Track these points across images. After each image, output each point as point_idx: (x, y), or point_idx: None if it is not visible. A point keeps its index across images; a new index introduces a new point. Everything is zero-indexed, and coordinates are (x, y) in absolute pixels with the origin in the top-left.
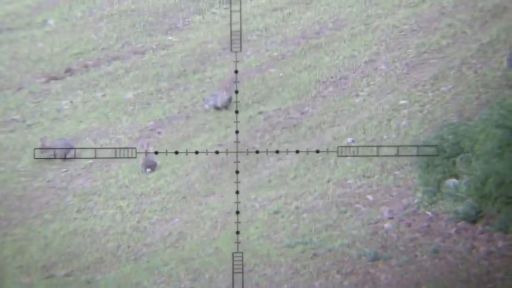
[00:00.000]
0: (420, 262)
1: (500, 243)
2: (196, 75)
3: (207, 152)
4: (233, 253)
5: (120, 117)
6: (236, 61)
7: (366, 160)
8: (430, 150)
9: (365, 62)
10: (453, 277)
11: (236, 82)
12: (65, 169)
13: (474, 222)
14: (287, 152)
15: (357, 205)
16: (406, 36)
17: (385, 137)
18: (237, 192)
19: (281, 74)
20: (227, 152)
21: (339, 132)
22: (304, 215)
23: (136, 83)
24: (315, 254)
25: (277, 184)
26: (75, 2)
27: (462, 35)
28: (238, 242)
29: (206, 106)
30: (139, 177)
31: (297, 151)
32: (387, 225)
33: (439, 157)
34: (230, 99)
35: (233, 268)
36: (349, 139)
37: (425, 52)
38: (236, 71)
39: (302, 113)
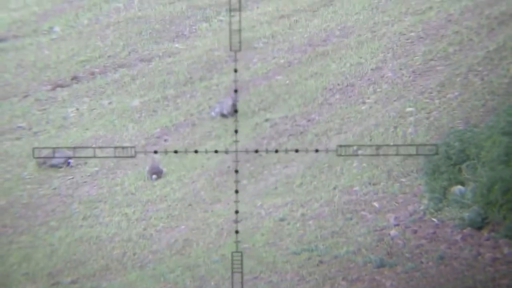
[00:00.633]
0: (426, 268)
1: (506, 250)
2: (203, 83)
3: (206, 151)
4: (232, 253)
5: (126, 125)
6: (236, 60)
7: (372, 167)
8: (430, 150)
9: (371, 69)
10: (459, 284)
11: (235, 81)
12: (71, 177)
13: (480, 228)
14: (286, 151)
15: (363, 212)
16: (413, 43)
17: (391, 144)
18: (236, 192)
19: (287, 81)
20: (226, 151)
21: (345, 139)
22: (310, 222)
23: (142, 90)
24: (321, 261)
25: (283, 191)
26: (81, 9)
27: (469, 42)
28: (237, 242)
29: (213, 113)
30: (145, 184)
31: (296, 150)
32: (393, 232)
33: (445, 164)
34: (235, 106)
35: (232, 268)
36: (355, 147)
37: (431, 59)
38: (235, 70)
39: (309, 120)
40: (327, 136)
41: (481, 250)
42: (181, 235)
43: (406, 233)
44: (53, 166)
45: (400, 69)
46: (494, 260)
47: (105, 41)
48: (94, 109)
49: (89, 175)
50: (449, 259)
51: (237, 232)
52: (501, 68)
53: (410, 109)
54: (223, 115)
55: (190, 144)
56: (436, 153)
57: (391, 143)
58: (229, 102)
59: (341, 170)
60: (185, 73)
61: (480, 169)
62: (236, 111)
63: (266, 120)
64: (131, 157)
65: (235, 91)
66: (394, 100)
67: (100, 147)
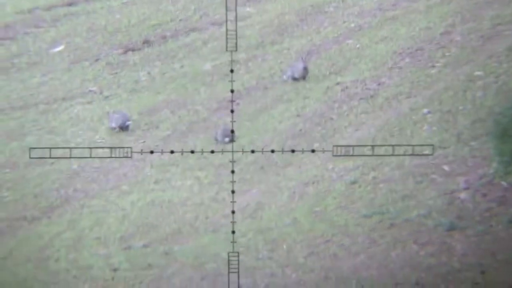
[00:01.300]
0: (496, 231)
1: None
2: (274, 46)
3: (202, 152)
4: (228, 253)
5: (198, 88)
6: (232, 61)
7: (442, 130)
8: (426, 150)
9: (440, 34)
10: None
11: (231, 81)
12: (143, 140)
13: None
14: (282, 151)
15: (433, 176)
16: (481, 8)
17: (460, 107)
18: (232, 192)
19: (358, 45)
20: (222, 151)
21: (415, 103)
22: (381, 185)
23: (214, 54)
24: (391, 224)
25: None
26: None
27: None
28: (233, 242)
29: (284, 77)
30: (216, 148)
31: (293, 151)
32: (462, 195)
33: None
34: (305, 69)
35: (228, 268)
36: (425, 110)
37: (499, 24)
38: (231, 71)
39: (379, 84)
40: (398, 99)
41: None
42: (253, 199)
43: (476, 196)
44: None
45: (469, 33)
46: None
47: (176, 4)
48: (165, 73)
49: (161, 139)
50: None
51: (233, 232)
52: None
53: (479, 73)
54: (295, 79)
55: (262, 107)
56: (432, 154)
57: (461, 107)
58: (300, 66)
59: (411, 134)
60: (257, 37)
61: None
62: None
63: (337, 83)
64: (128, 157)
65: (232, 89)
66: (463, 64)
67: (97, 147)
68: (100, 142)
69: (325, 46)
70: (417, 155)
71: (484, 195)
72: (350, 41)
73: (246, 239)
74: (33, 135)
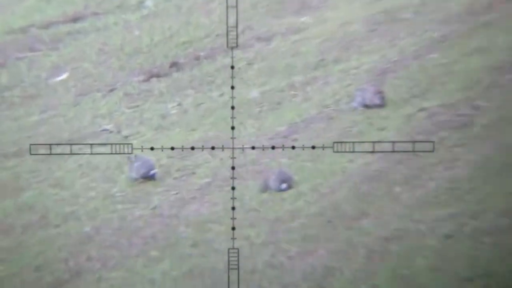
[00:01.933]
0: None
1: None
2: (338, 65)
3: (203, 148)
4: (228, 249)
5: (243, 122)
6: (232, 57)
7: None
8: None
9: None
10: None
11: (232, 77)
12: (175, 192)
13: None
14: (283, 148)
15: None
16: None
17: None
18: (233, 188)
19: (444, 60)
20: (223, 148)
21: None
22: (485, 239)
23: (262, 77)
24: None
25: (448, 199)
26: None
27: None
28: (233, 238)
29: (353, 104)
30: (271, 198)
31: (293, 147)
32: None
33: None
34: (380, 94)
35: (228, 264)
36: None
37: None
38: (232, 67)
39: (474, 108)
40: (499, 127)
41: None
42: (320, 262)
43: None
44: (148, 177)
45: None
46: None
47: (211, 15)
48: (201, 103)
49: (198, 189)
50: None
51: (233, 229)
52: None
53: None
54: (366, 106)
55: (326, 143)
56: (432, 151)
57: None
58: (372, 89)
59: None
60: (316, 53)
61: None
62: (232, 107)
63: (421, 109)
64: (129, 153)
65: (232, 87)
66: None
67: (98, 144)
68: (120, 196)
69: (402, 62)
70: (419, 151)
71: None
72: (434, 55)
73: None
74: (32, 189)
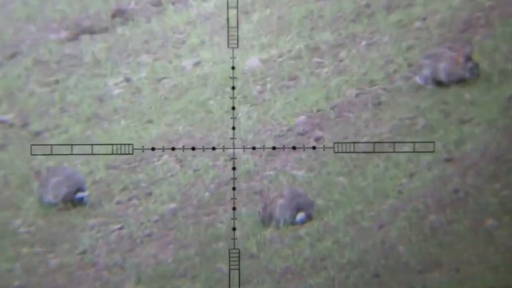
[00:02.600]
0: None
1: None
2: (393, 15)
3: (203, 149)
4: (229, 250)
5: (238, 109)
6: (233, 58)
7: None
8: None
9: None
10: None
11: (232, 78)
12: (118, 225)
13: None
14: (283, 148)
15: None
16: None
17: None
18: (233, 189)
19: None
20: (223, 148)
21: None
22: None
23: (265, 36)
24: None
25: None
26: None
27: None
28: (234, 239)
29: (419, 79)
30: (278, 236)
31: (294, 147)
32: None
33: None
34: (466, 64)
35: (229, 265)
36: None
37: None
38: (233, 67)
39: None
40: None
41: None
42: None
43: None
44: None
45: None
46: None
47: None
48: (163, 78)
49: (156, 220)
50: None
51: (234, 229)
52: None
53: None
54: (439, 83)
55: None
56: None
57: None
58: (449, 55)
59: None
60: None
61: None
62: (233, 108)
63: None
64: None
65: (233, 88)
66: None
67: (99, 144)
68: (25, 233)
69: (505, 9)
70: (419, 152)
71: None
72: None
73: None
74: None
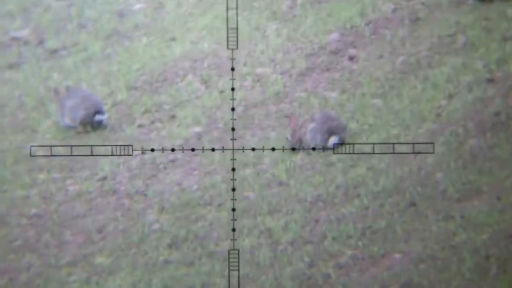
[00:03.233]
0: None
1: None
2: None
3: (203, 150)
4: (229, 251)
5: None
6: (232, 59)
7: None
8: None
9: None
10: None
11: (232, 79)
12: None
13: None
14: (283, 149)
15: None
16: None
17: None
18: (233, 190)
19: None
20: (223, 149)
21: None
22: None
23: None
24: None
25: None
26: None
27: None
28: (234, 239)
29: None
30: (309, 162)
31: (293, 149)
32: None
33: None
34: None
35: (228, 265)
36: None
37: None
38: (232, 69)
39: None
40: None
41: None
42: None
43: None
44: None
45: None
46: None
47: None
48: None
49: (182, 144)
50: None
51: (233, 230)
52: None
53: None
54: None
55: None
56: (433, 152)
57: None
58: None
59: None
60: None
61: None
62: (232, 109)
63: None
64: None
65: (232, 89)
66: None
67: (98, 145)
68: (44, 158)
69: None
70: (419, 153)
71: None
72: None
73: None
74: None
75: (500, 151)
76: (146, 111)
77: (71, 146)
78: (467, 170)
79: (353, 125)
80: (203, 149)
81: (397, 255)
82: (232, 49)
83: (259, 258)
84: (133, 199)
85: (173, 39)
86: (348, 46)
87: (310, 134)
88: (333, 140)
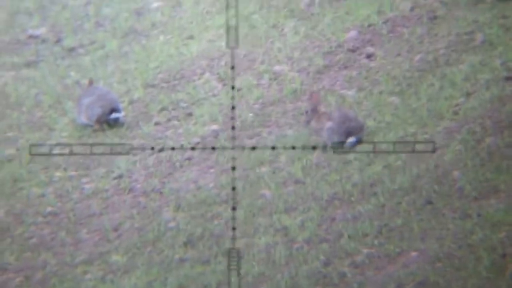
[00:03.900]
0: None
1: None
2: None
3: (203, 148)
4: (229, 249)
5: None
6: (232, 58)
7: None
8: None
9: None
10: None
11: (232, 78)
12: (158, 148)
13: None
14: (284, 148)
15: None
16: None
17: None
18: (233, 189)
19: None
20: (222, 148)
21: None
22: None
23: None
24: None
25: None
26: None
27: None
28: (234, 238)
29: None
30: (325, 160)
31: (293, 147)
32: None
33: None
34: None
35: (229, 264)
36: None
37: None
38: (232, 67)
39: None
40: None
41: None
42: None
43: None
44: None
45: None
46: None
47: None
48: None
49: (198, 143)
50: None
51: (234, 229)
52: None
53: None
54: None
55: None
56: (433, 151)
57: None
58: None
59: None
60: None
61: None
62: (233, 107)
63: None
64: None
65: (232, 87)
66: None
67: (97, 144)
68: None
69: None
70: (419, 152)
71: None
72: None
73: None
74: None
75: None
76: (163, 109)
77: (91, 145)
78: (484, 168)
79: (370, 123)
80: (203, 148)
81: (414, 254)
82: (232, 48)
83: (275, 256)
84: (149, 197)
85: (191, 37)
86: (366, 44)
87: (327, 132)
88: (351, 140)
